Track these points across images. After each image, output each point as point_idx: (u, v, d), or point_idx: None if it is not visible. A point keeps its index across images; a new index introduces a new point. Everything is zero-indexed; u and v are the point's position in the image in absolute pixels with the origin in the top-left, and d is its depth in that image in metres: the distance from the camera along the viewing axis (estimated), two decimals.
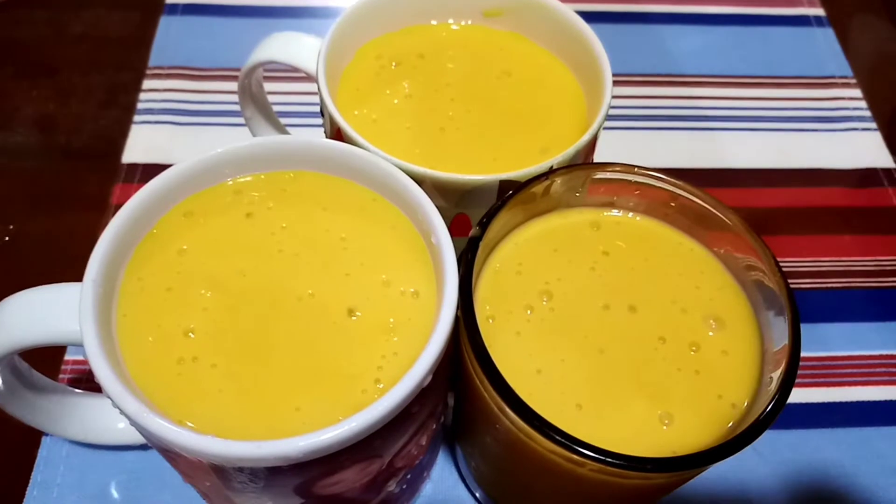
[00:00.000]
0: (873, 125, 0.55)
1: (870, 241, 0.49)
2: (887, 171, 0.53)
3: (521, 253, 0.31)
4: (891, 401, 0.43)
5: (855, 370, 0.44)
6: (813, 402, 0.43)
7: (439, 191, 0.31)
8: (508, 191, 0.30)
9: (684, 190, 0.30)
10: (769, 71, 0.58)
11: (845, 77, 0.58)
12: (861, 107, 0.56)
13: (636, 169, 0.30)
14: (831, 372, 0.44)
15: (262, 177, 0.31)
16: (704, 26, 0.60)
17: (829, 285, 0.47)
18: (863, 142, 0.54)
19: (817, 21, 0.61)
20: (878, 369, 0.44)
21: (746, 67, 0.58)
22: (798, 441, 0.41)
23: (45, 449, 0.38)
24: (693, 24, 0.60)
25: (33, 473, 0.38)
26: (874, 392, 0.43)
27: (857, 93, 0.57)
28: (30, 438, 0.38)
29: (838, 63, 0.59)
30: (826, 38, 0.60)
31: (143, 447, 0.38)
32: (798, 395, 0.43)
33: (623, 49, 0.57)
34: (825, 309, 0.46)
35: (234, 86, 0.51)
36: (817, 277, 0.48)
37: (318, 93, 0.33)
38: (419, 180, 0.30)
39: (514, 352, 0.28)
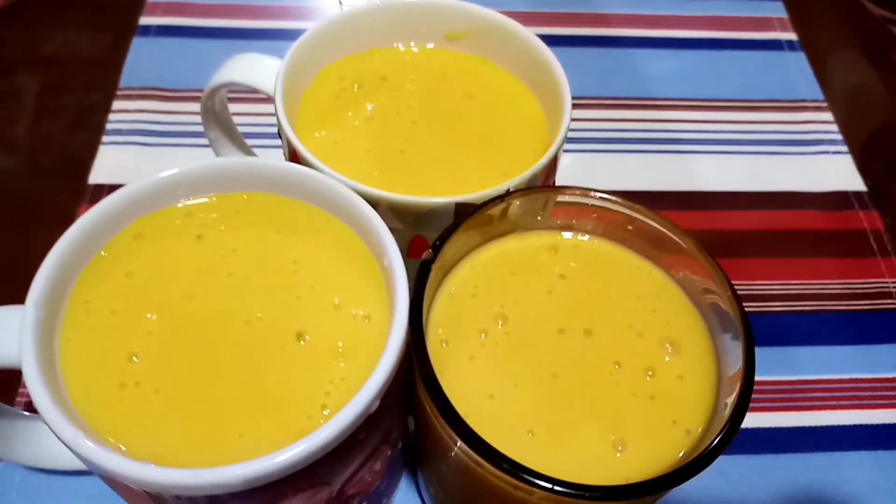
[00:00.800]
0: (844, 149, 0.55)
1: (841, 265, 0.49)
2: (858, 194, 0.53)
3: (476, 276, 0.31)
4: (860, 425, 0.42)
5: (825, 394, 0.43)
6: (783, 427, 0.42)
7: (395, 213, 0.31)
8: (465, 213, 0.29)
9: (640, 213, 0.30)
10: (741, 94, 0.58)
11: (816, 101, 0.58)
12: (832, 130, 0.56)
13: (592, 193, 0.30)
14: (801, 396, 0.43)
15: (215, 199, 0.31)
16: (677, 50, 0.61)
17: (801, 308, 0.47)
18: (834, 165, 0.55)
19: (789, 45, 0.62)
20: (848, 393, 0.43)
21: (718, 91, 0.58)
22: (768, 466, 0.40)
23: None
24: (665, 48, 0.61)
25: None
26: (844, 416, 0.43)
27: (829, 116, 0.57)
28: None
29: (809, 87, 0.59)
30: (798, 63, 0.61)
31: None
32: (768, 420, 0.42)
33: (595, 72, 0.57)
34: (796, 332, 0.46)
35: None
36: (788, 301, 0.47)
37: (276, 114, 0.33)
38: (375, 202, 0.29)
39: (466, 377, 0.28)
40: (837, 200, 0.53)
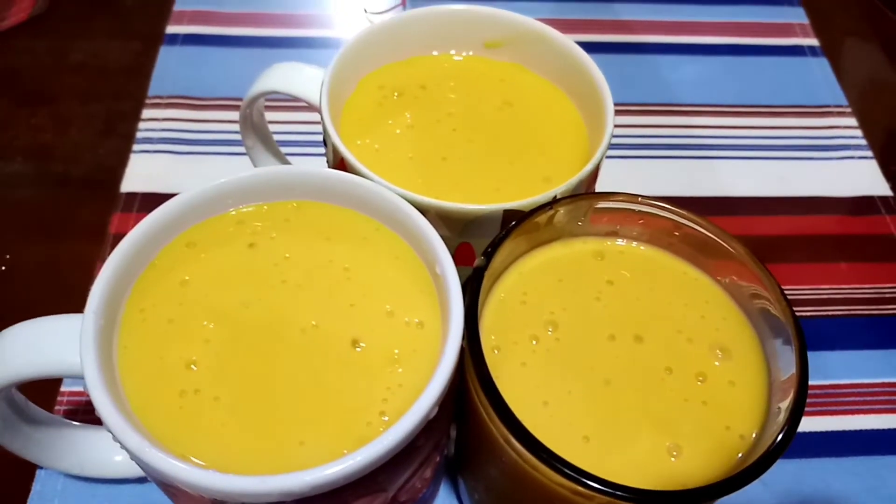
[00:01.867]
0: (869, 153, 0.56)
1: (869, 269, 0.49)
2: (884, 198, 0.53)
3: (525, 282, 0.31)
4: (894, 429, 0.42)
5: (857, 398, 0.44)
6: (815, 431, 0.42)
7: (443, 220, 0.31)
8: (512, 220, 0.30)
9: (687, 219, 0.30)
10: (764, 100, 0.58)
11: (840, 106, 0.58)
12: (857, 135, 0.57)
13: (640, 198, 0.30)
14: (833, 400, 0.43)
15: (265, 207, 0.31)
16: (700, 56, 0.61)
17: (830, 313, 0.47)
18: (859, 170, 0.55)
19: (811, 51, 0.62)
20: (880, 397, 0.44)
21: (742, 97, 0.58)
22: (802, 471, 0.41)
23: (40, 483, 0.38)
24: (689, 53, 0.61)
25: None
26: (877, 420, 0.43)
27: (853, 121, 0.57)
28: (24, 472, 0.38)
29: (833, 92, 0.59)
30: (820, 68, 0.61)
31: (140, 480, 0.37)
32: (801, 424, 0.42)
33: (619, 79, 0.58)
34: (826, 337, 0.46)
35: (233, 115, 0.51)
36: (817, 305, 0.47)
37: (322, 123, 0.33)
38: (423, 210, 0.30)
39: (519, 383, 0.28)
40: (864, 205, 0.53)
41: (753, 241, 0.50)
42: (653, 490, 0.24)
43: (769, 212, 0.52)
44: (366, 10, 0.61)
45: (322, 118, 0.33)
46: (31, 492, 0.37)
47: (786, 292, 0.37)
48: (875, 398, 0.44)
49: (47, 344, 0.26)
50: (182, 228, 0.30)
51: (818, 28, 0.64)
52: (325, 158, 0.36)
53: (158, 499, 0.37)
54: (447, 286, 0.27)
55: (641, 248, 0.32)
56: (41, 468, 0.38)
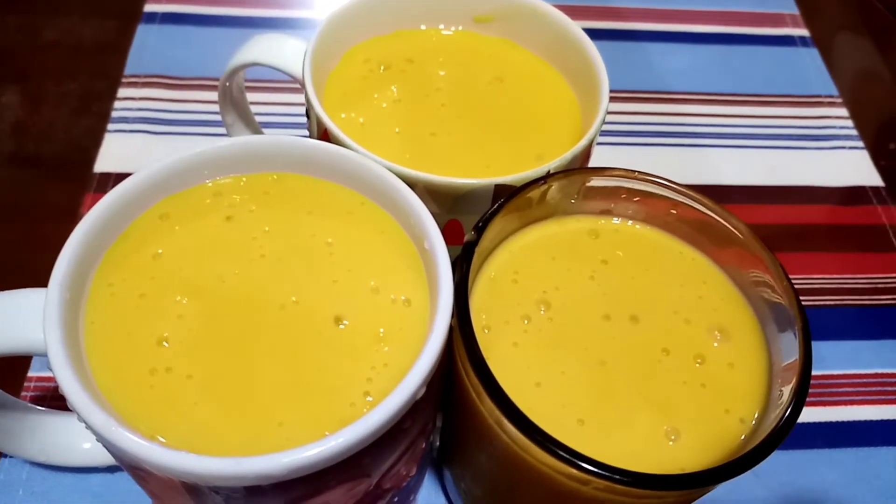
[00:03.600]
0: (860, 143, 0.55)
1: (861, 259, 0.49)
2: (875, 188, 0.52)
3: (516, 261, 0.29)
4: (888, 420, 0.42)
5: (851, 389, 0.43)
6: (810, 422, 0.41)
7: (432, 195, 0.29)
8: (503, 196, 0.28)
9: (687, 196, 0.29)
10: (756, 89, 0.57)
11: (831, 96, 0.58)
12: (847, 125, 0.56)
13: (636, 174, 0.29)
14: (827, 391, 0.43)
15: (244, 179, 0.29)
16: (691, 45, 0.60)
17: (822, 303, 0.47)
18: (850, 160, 0.54)
19: (802, 41, 0.62)
20: (873, 388, 0.43)
21: (733, 85, 0.58)
22: (795, 462, 0.40)
23: (3, 472, 0.36)
24: (680, 42, 0.60)
25: None
26: (871, 411, 0.42)
27: (843, 112, 0.57)
28: None
29: (823, 82, 0.59)
30: (811, 58, 0.60)
31: (109, 470, 0.36)
32: None
33: (610, 66, 0.56)
34: (819, 327, 0.45)
35: (211, 95, 0.49)
36: (810, 295, 0.47)
37: (305, 94, 0.32)
38: (411, 184, 0.28)
39: (511, 364, 0.27)
40: (855, 195, 0.52)
41: None
42: (651, 474, 0.22)
43: (759, 200, 0.51)
44: None
45: (305, 89, 0.32)
46: None
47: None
48: (867, 388, 0.43)
49: (8, 319, 0.25)
50: (156, 199, 0.28)
51: (809, 19, 0.63)
52: (306, 135, 0.34)
53: (127, 488, 0.36)
54: (436, 262, 0.26)
55: (637, 226, 0.31)
56: (5, 457, 0.36)
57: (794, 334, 0.26)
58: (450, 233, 0.31)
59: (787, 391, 0.25)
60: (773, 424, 0.24)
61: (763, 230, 0.49)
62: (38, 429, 0.33)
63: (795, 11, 0.64)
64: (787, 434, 0.24)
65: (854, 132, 0.56)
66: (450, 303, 0.25)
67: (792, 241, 0.49)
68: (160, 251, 0.27)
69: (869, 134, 0.56)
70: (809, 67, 0.60)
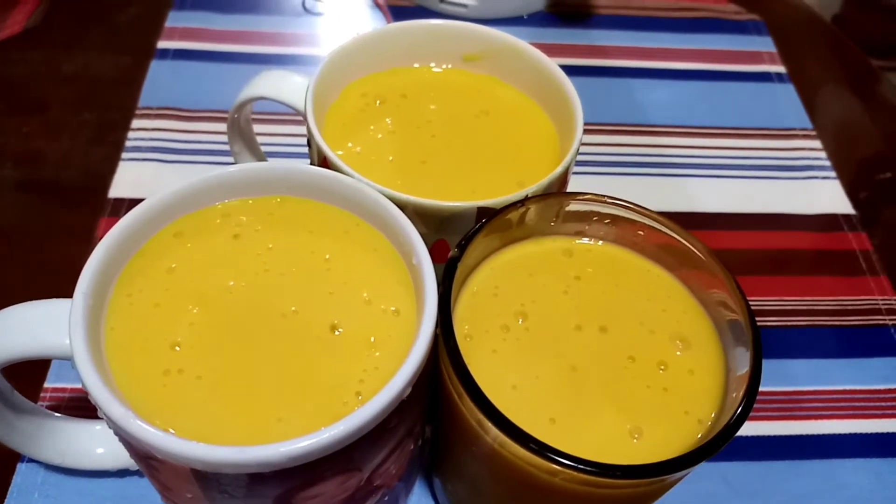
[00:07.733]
0: (833, 174, 0.58)
1: (832, 282, 0.51)
2: (847, 216, 0.55)
3: (497, 277, 0.32)
4: (854, 434, 0.44)
5: (820, 404, 0.45)
6: (780, 435, 0.44)
7: (420, 217, 0.32)
8: (485, 217, 0.31)
9: (652, 219, 0.32)
10: (733, 122, 0.61)
11: (805, 129, 0.61)
12: (821, 157, 0.59)
13: (606, 198, 0.32)
14: (797, 406, 0.45)
15: (250, 201, 0.32)
16: (672, 80, 0.64)
17: (795, 323, 0.49)
18: (823, 189, 0.57)
19: (778, 77, 0.65)
20: (841, 403, 0.45)
21: (712, 119, 0.61)
22: (766, 473, 0.42)
23: (20, 476, 0.38)
24: (662, 78, 0.64)
25: (6, 501, 0.37)
26: (838, 425, 0.44)
27: (818, 144, 0.60)
28: (4, 465, 0.38)
29: (798, 116, 0.62)
30: (787, 94, 0.64)
31: (120, 474, 0.38)
32: (766, 429, 0.44)
33: (595, 100, 0.60)
34: (791, 346, 0.48)
35: (219, 126, 0.53)
36: (783, 316, 0.49)
37: (306, 125, 0.35)
38: (401, 206, 0.31)
39: (490, 368, 0.29)
40: (827, 222, 0.55)
41: (720, 253, 0.52)
42: (613, 464, 0.25)
43: (737, 227, 0.54)
44: (304, 4, 0.63)
45: (307, 121, 0.35)
46: (12, 484, 0.38)
47: (753, 303, 0.39)
48: (837, 404, 0.45)
49: (37, 325, 0.28)
50: (170, 219, 0.31)
51: (785, 56, 0.67)
52: (308, 162, 0.37)
53: (138, 492, 0.38)
54: (423, 276, 0.29)
55: (608, 246, 0.34)
56: (22, 461, 0.38)
57: (747, 348, 0.29)
58: (438, 251, 0.34)
59: (738, 395, 0.28)
60: (725, 422, 0.27)
61: (740, 255, 0.53)
62: (55, 433, 0.35)
63: (773, 49, 0.67)
64: (737, 429, 0.26)
65: (827, 163, 0.59)
66: (434, 313, 0.28)
67: (768, 265, 0.52)
68: (174, 265, 0.30)
69: (842, 164, 0.59)
70: (785, 102, 0.63)
